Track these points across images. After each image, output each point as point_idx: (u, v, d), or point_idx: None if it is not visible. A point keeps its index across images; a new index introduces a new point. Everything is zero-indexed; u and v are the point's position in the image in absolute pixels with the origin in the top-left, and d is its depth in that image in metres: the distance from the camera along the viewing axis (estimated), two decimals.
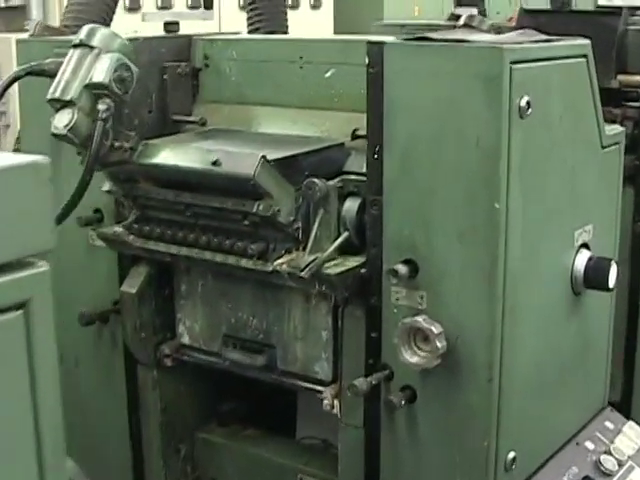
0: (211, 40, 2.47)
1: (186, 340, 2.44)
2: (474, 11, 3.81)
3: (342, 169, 2.10)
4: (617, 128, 2.34)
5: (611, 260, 2.16)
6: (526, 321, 1.99)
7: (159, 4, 3.98)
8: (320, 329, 2.16)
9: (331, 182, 2.02)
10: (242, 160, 1.96)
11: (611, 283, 2.16)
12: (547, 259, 2.04)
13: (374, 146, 1.95)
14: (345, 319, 2.09)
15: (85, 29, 2.09)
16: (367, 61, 1.92)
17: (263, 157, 1.94)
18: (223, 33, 2.49)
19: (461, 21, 3.33)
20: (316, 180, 1.98)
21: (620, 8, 3.46)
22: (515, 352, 1.95)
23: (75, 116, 2.01)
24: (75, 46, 2.08)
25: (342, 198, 2.04)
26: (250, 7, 3.40)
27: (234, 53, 2.43)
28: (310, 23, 4.39)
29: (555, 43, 2.00)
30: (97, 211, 2.41)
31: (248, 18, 3.37)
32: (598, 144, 2.20)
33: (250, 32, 3.39)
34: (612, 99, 3.33)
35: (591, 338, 2.32)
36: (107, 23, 2.76)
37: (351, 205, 2.03)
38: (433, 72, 1.85)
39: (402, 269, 1.91)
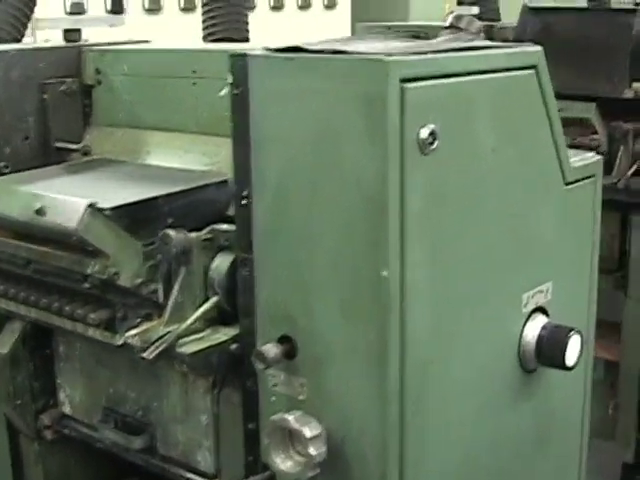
0: (102, 52, 2.06)
1: (67, 410, 2.03)
2: (474, 10, 3.33)
3: (224, 214, 1.66)
4: (590, 157, 1.84)
5: (571, 330, 1.67)
6: (446, 412, 1.52)
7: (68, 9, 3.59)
8: (199, 412, 1.73)
9: (194, 234, 1.58)
10: (67, 209, 1.53)
11: (570, 359, 1.67)
12: (479, 332, 1.57)
13: (241, 189, 1.50)
14: (221, 404, 1.66)
15: None
16: (230, 79, 1.48)
17: (91, 206, 1.51)
18: (116, 43, 2.08)
19: (447, 22, 2.86)
20: (171, 232, 1.55)
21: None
22: (427, 452, 1.49)
23: None
24: None
25: (213, 254, 1.61)
26: (204, 9, 2.99)
27: (125, 67, 2.01)
28: (323, 25, 3.93)
29: (485, 52, 1.53)
30: None
31: (202, 21, 2.97)
32: (559, 180, 1.71)
33: (204, 39, 2.98)
34: (626, 112, 2.83)
35: (555, 418, 1.83)
36: (15, 36, 2.39)
37: (220, 263, 1.59)
38: (305, 92, 1.40)
39: (271, 351, 1.46)
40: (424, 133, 1.36)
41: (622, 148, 2.75)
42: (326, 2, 4.84)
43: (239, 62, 1.46)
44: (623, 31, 2.88)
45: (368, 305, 1.39)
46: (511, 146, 1.57)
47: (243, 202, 1.50)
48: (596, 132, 2.67)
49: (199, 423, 1.74)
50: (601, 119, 2.73)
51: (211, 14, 2.95)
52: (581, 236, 1.82)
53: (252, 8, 4.52)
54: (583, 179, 1.79)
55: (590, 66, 2.95)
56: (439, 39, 1.65)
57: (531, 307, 1.68)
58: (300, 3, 4.75)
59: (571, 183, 1.74)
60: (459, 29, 2.78)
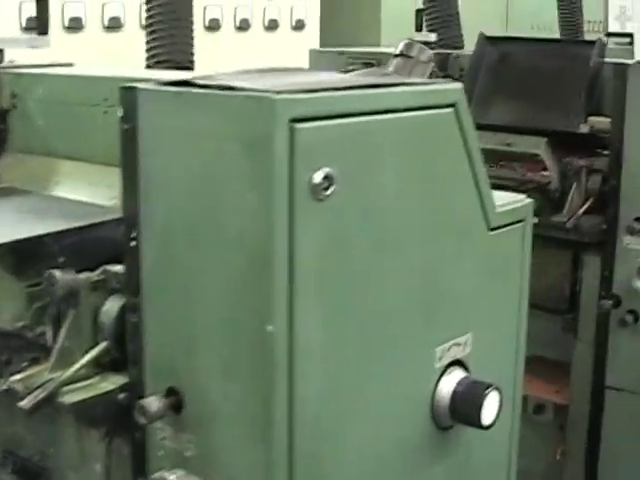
0: (19, 75, 1.96)
1: None
2: (432, 37, 3.25)
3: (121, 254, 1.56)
4: (520, 200, 1.75)
5: (488, 386, 1.57)
6: (345, 476, 1.42)
7: None
8: (93, 460, 1.62)
9: (83, 274, 1.48)
10: None
11: (486, 417, 1.57)
12: (384, 389, 1.46)
13: (129, 230, 1.40)
14: (113, 455, 1.55)
15: None
16: (120, 113, 1.38)
17: None
18: (35, 65, 1.98)
19: (397, 49, 2.78)
20: (57, 272, 1.45)
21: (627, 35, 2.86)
22: None
23: None
24: None
25: (105, 296, 1.50)
26: (147, 29, 2.90)
27: (41, 91, 1.91)
28: (291, 47, 3.84)
29: (394, 89, 1.43)
30: None
31: (146, 42, 2.87)
32: (481, 226, 1.61)
33: (147, 61, 2.88)
34: (580, 147, 2.74)
35: (476, 478, 1.73)
36: None
37: (110, 307, 1.48)
38: (191, 131, 1.30)
39: (153, 405, 1.36)
40: (317, 177, 1.27)
41: (574, 185, 2.66)
42: (294, 23, 4.73)
43: (129, 95, 1.37)
44: (580, 63, 2.80)
45: (252, 363, 1.29)
46: (424, 191, 1.47)
47: (132, 243, 1.40)
48: (546, 168, 2.58)
49: (94, 472, 1.63)
50: (553, 155, 2.64)
51: (154, 35, 2.86)
52: (507, 284, 1.72)
53: (216, 28, 4.42)
54: (511, 224, 1.69)
55: (545, 99, 2.86)
56: (354, 74, 1.55)
57: (447, 361, 1.58)
58: (267, 24, 4.64)
59: (496, 229, 1.65)
60: (409, 57, 2.71)
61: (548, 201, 2.66)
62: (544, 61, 2.92)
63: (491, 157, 2.73)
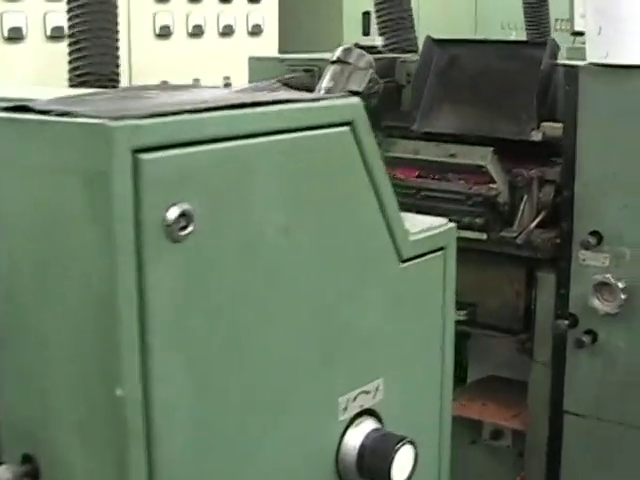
0: None
1: None
2: (378, 42, 3.07)
3: None
4: (440, 225, 1.57)
5: (401, 439, 1.39)
6: None
7: None
8: None
9: None
10: None
11: (398, 475, 1.39)
12: (273, 447, 1.28)
13: None
14: None
15: None
16: None
17: None
18: None
19: (334, 56, 2.61)
20: None
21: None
22: None
23: None
24: None
25: None
26: (69, 40, 2.73)
27: None
28: (247, 53, 3.65)
29: (274, 108, 1.24)
30: None
31: (68, 53, 2.71)
32: (390, 257, 1.44)
33: (69, 73, 2.72)
34: (536, 155, 2.57)
35: None
36: None
37: None
38: (29, 163, 1.12)
39: (4, 475, 1.19)
40: (172, 214, 1.09)
41: (525, 198, 2.49)
42: (250, 29, 4.55)
43: None
44: (532, 66, 2.63)
45: (106, 430, 1.11)
46: (316, 221, 1.29)
47: None
48: (494, 181, 2.40)
49: None
50: (502, 165, 2.47)
51: (77, 46, 2.69)
52: (425, 320, 1.54)
53: (167, 36, 4.24)
54: (429, 253, 1.52)
55: (495, 104, 2.69)
56: (237, 89, 1.37)
57: (354, 411, 1.40)
58: (221, 30, 4.46)
59: (410, 259, 1.47)
60: (347, 63, 2.53)
61: (497, 215, 2.48)
62: (495, 64, 2.74)
63: (435, 169, 2.56)
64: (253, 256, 1.21)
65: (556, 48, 2.59)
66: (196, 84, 1.43)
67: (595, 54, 2.39)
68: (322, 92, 2.52)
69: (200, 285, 1.14)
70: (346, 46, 2.59)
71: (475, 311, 2.67)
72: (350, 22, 5.17)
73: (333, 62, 2.57)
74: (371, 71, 2.51)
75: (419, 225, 1.52)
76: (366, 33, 3.16)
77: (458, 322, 2.68)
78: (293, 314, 1.27)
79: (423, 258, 1.50)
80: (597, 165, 2.40)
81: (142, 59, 4.17)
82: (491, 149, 2.38)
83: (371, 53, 3.12)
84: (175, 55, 4.24)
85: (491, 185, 2.41)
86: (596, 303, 2.40)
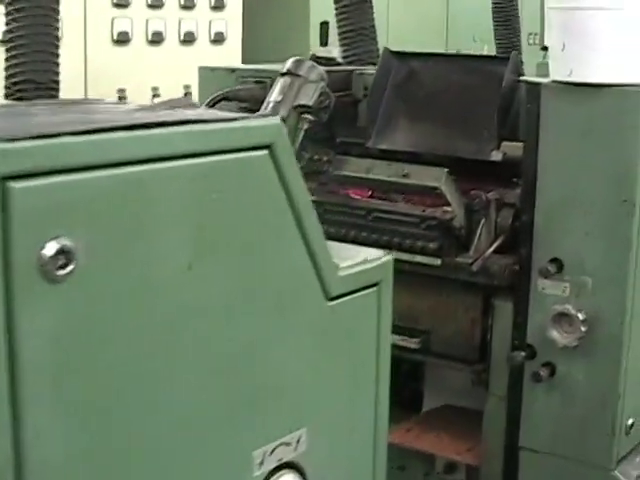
0: None
1: None
2: (334, 53, 2.94)
3: None
4: (376, 258, 1.43)
5: None
6: None
7: None
8: None
9: None
10: None
11: None
12: None
13: None
14: None
15: None
16: None
17: None
18: None
19: (285, 67, 2.46)
20: None
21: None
22: None
23: None
24: None
25: None
26: (5, 45, 2.57)
27: None
28: (209, 61, 3.50)
29: (178, 129, 1.10)
30: None
31: (5, 59, 2.55)
32: (315, 294, 1.30)
33: (6, 80, 2.56)
34: (496, 176, 2.44)
35: None
36: None
37: None
38: None
39: None
40: (49, 251, 0.95)
41: (483, 221, 2.35)
42: (213, 37, 4.41)
43: None
44: (493, 82, 2.50)
45: None
46: (225, 258, 1.15)
47: None
48: (449, 203, 2.27)
49: None
50: (459, 186, 2.33)
51: (13, 52, 2.53)
52: (356, 363, 1.40)
53: (126, 42, 4.10)
54: (361, 289, 1.38)
55: (455, 122, 2.56)
56: (141, 106, 1.23)
57: (271, 465, 1.26)
58: (183, 37, 4.32)
59: (339, 297, 1.33)
60: (297, 76, 2.39)
61: (453, 240, 2.35)
62: (455, 79, 2.62)
63: (388, 190, 2.42)
64: (150, 297, 1.06)
65: (519, 63, 2.47)
66: (98, 100, 1.30)
67: (559, 71, 2.26)
68: (270, 105, 2.39)
69: (84, 332, 1.00)
70: (297, 58, 2.45)
71: (429, 339, 2.53)
72: (317, 31, 5.04)
73: (283, 74, 2.44)
74: (322, 84, 2.38)
75: (351, 258, 1.39)
76: (324, 43, 3.00)
77: (412, 350, 2.57)
78: (197, 363, 1.13)
79: (354, 295, 1.36)
80: (558, 188, 2.27)
81: (99, 66, 4.03)
82: (446, 170, 2.24)
83: (328, 65, 3.00)
84: (134, 62, 4.09)
85: (445, 208, 2.27)
86: (555, 335, 2.27)
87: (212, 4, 4.41)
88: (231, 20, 4.49)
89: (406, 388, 2.76)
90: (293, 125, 2.35)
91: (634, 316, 2.25)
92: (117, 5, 4.00)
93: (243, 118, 1.20)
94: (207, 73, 2.83)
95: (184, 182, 1.10)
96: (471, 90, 2.58)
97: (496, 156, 2.45)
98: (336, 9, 3.24)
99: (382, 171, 2.31)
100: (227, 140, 1.15)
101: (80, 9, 3.92)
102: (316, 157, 2.38)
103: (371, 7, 3.24)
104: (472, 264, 2.29)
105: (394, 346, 2.46)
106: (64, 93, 4.05)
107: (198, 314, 1.12)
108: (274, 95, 2.40)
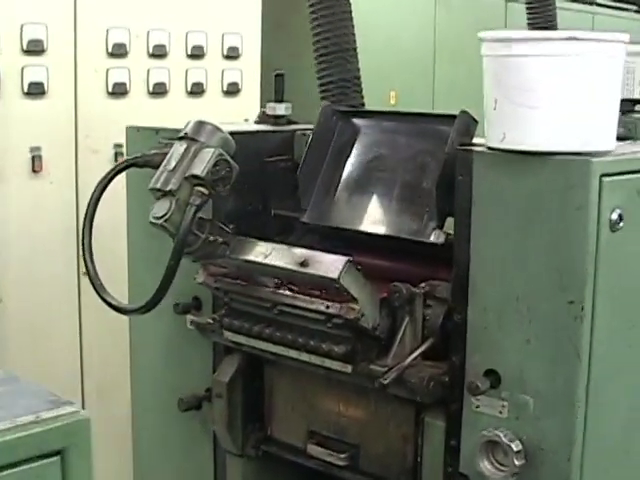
0: None
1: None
2: (281, 109, 2.53)
3: None
4: (63, 414, 1.02)
5: None
6: None
7: None
8: None
9: None
10: None
11: None
12: None
13: None
14: None
15: None
16: None
17: None
18: None
19: (183, 130, 2.09)
20: None
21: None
22: None
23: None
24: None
25: None
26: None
27: None
28: (221, 115, 3.19)
29: None
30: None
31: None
32: None
33: None
34: (440, 260, 2.00)
35: None
36: None
37: None
38: None
39: None
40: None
41: (407, 320, 1.90)
42: (225, 88, 4.09)
43: None
44: (435, 146, 2.07)
45: None
46: None
47: None
48: (355, 299, 1.82)
49: None
50: (360, 278, 1.86)
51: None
52: None
53: (124, 93, 3.82)
54: (27, 461, 0.98)
55: (397, 195, 2.14)
56: None
57: None
58: (190, 89, 4.01)
59: None
60: (194, 140, 2.02)
61: (368, 342, 1.90)
62: (403, 143, 2.18)
63: (285, 281, 2.00)
64: None
65: (471, 123, 2.01)
66: None
67: (492, 135, 1.81)
68: (162, 176, 2.01)
69: None
70: (200, 119, 2.07)
71: (358, 455, 2.09)
72: None
73: (180, 138, 2.07)
74: (219, 151, 1.99)
75: (22, 413, 0.99)
76: (279, 98, 2.60)
77: (337, 467, 2.12)
78: None
79: (15, 469, 0.96)
80: (496, 284, 1.80)
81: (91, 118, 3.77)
82: (346, 259, 1.80)
83: (278, 124, 2.61)
84: (132, 115, 3.80)
85: (351, 305, 1.83)
86: (485, 468, 1.80)
87: (224, 53, 4.11)
88: (247, 69, 4.17)
89: None
90: (185, 199, 1.98)
91: (586, 450, 1.75)
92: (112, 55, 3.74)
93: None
94: (134, 133, 2.50)
95: None
96: (418, 156, 2.15)
97: (437, 237, 2.00)
98: (315, 58, 2.85)
99: (280, 257, 1.90)
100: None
101: (71, 60, 3.67)
102: (211, 238, 1.99)
103: (355, 56, 2.84)
104: (386, 373, 1.84)
105: (319, 460, 2.05)
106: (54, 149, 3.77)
107: None
108: (169, 163, 2.03)
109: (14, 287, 3.62)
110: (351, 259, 1.81)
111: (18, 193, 3.61)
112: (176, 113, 3.90)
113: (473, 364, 1.84)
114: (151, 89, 3.92)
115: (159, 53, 3.93)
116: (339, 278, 1.79)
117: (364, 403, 2.07)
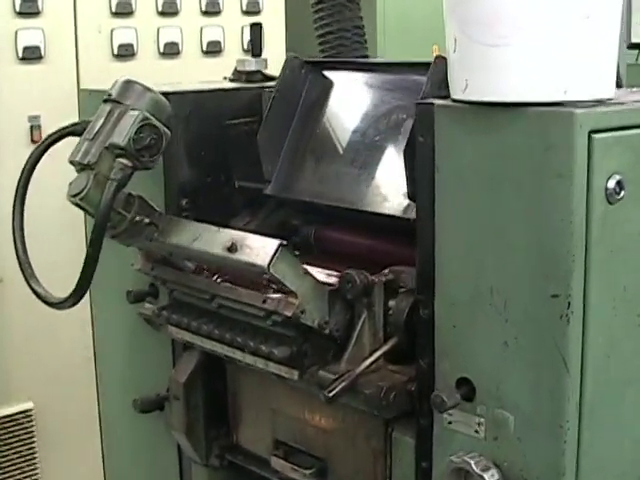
0: None
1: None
2: (251, 64, 2.18)
3: None
4: None
5: None
6: None
7: None
8: None
9: None
10: None
11: None
12: None
13: None
14: None
15: None
16: None
17: None
18: None
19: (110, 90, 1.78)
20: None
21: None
22: None
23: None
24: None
25: None
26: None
27: None
28: None
29: None
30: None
31: None
32: None
33: None
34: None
35: None
36: None
37: None
38: None
39: None
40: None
41: (364, 316, 1.55)
42: (245, 47, 3.76)
43: None
44: (413, 100, 1.69)
45: None
46: None
47: None
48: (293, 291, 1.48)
49: None
50: (298, 266, 1.51)
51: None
52: None
53: (132, 55, 3.55)
54: None
55: (368, 162, 1.78)
56: None
57: None
58: (206, 48, 3.69)
59: None
60: (118, 103, 1.70)
61: (320, 343, 1.56)
62: (377, 98, 1.82)
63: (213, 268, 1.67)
64: None
65: (444, 72, 1.62)
66: None
67: (454, 84, 1.43)
68: (84, 146, 1.71)
69: None
70: (127, 78, 1.75)
71: (325, 471, 1.76)
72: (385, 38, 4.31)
73: (105, 100, 1.75)
74: (143, 115, 1.66)
75: None
76: (257, 52, 2.25)
77: None
78: None
79: None
80: (466, 272, 1.44)
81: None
82: (278, 242, 1.46)
83: (251, 82, 2.26)
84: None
85: (290, 299, 1.49)
86: None
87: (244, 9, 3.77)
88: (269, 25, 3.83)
89: None
90: (105, 173, 1.67)
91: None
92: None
93: None
94: (84, 95, 2.21)
95: None
96: (394, 113, 1.78)
97: (407, 211, 1.64)
98: (311, 6, 2.49)
99: (208, 241, 1.57)
100: None
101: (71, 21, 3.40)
102: (137, 218, 1.67)
103: (356, 2, 2.46)
104: (336, 381, 1.50)
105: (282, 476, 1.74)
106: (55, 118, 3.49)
107: None
108: (89, 130, 1.72)
109: (14, 265, 3.41)
110: (284, 243, 1.47)
111: (16, 165, 3.38)
112: (191, 75, 3.59)
113: (442, 371, 1.48)
114: (162, 50, 3.62)
115: (169, 10, 3.63)
116: (269, 266, 1.45)
117: (331, 411, 1.73)
